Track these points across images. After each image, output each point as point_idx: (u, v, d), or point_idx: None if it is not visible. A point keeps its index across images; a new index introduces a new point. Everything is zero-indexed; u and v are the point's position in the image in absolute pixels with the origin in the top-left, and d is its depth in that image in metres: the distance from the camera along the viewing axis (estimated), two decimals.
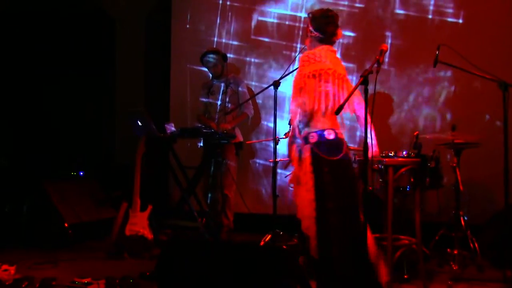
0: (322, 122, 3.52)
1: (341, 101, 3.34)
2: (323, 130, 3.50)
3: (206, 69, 5.94)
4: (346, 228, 3.40)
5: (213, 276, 2.93)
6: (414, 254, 4.13)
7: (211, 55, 5.70)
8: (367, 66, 5.57)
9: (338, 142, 3.51)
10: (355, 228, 3.39)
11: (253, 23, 6.41)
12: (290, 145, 3.71)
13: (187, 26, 6.71)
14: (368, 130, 3.22)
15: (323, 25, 3.71)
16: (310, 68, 3.56)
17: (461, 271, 4.14)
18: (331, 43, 3.74)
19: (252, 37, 6.40)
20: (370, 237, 3.40)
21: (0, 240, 5.05)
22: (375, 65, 3.29)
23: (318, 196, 3.47)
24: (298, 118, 3.57)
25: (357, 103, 3.56)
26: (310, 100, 3.50)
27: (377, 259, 3.42)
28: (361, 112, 3.49)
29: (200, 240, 4.84)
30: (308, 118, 3.54)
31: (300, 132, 3.60)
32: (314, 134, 3.51)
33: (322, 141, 3.49)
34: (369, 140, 3.17)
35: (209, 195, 5.73)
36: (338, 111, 3.12)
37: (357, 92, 3.48)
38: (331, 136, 3.50)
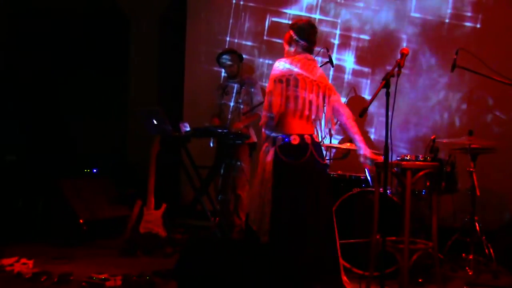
0: (290, 126, 3.66)
1: (316, 107, 3.64)
2: (290, 135, 3.64)
3: (219, 69, 5.96)
4: (302, 230, 3.53)
5: (231, 275, 2.94)
6: (428, 258, 4.13)
7: (227, 56, 5.71)
8: (381, 69, 5.64)
9: (302, 147, 3.62)
10: (314, 230, 3.54)
11: (267, 23, 6.41)
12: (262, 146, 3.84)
13: (202, 25, 6.73)
14: (357, 136, 3.65)
15: (309, 35, 3.87)
16: (280, 73, 3.72)
17: (475, 277, 4.13)
18: (311, 52, 3.89)
19: (266, 38, 6.41)
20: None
21: (15, 235, 5.06)
22: (396, 69, 3.32)
23: (276, 197, 3.61)
24: (265, 121, 3.73)
25: (338, 112, 3.75)
26: (275, 104, 3.65)
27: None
28: (341, 119, 3.75)
29: (219, 239, 4.84)
30: (276, 122, 3.68)
31: (268, 135, 3.75)
32: (280, 138, 3.66)
33: (286, 145, 3.63)
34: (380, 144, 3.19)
35: (221, 195, 5.75)
36: (362, 114, 3.14)
37: (339, 101, 3.75)
38: (296, 141, 3.62)
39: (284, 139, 3.65)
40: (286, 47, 3.94)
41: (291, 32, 3.88)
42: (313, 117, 3.69)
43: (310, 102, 3.67)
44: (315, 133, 3.75)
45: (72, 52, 6.77)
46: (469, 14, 5.49)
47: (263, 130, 3.79)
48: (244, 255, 2.99)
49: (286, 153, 3.62)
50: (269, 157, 3.68)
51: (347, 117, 3.71)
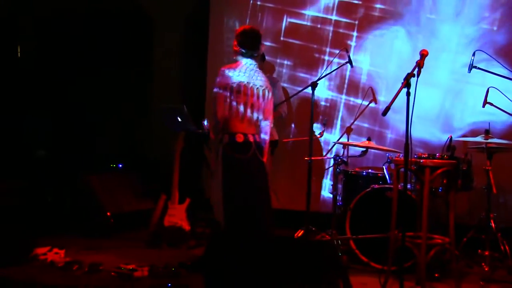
0: (235, 127, 3.96)
1: (258, 110, 3.99)
2: (235, 134, 3.94)
3: None
4: (248, 216, 3.93)
5: (258, 269, 2.97)
6: (444, 253, 4.14)
7: None
8: (397, 71, 5.63)
9: (246, 144, 3.96)
10: (260, 216, 3.97)
11: (284, 24, 6.43)
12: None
13: (224, 26, 6.76)
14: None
15: (250, 43, 4.06)
16: (224, 82, 3.97)
17: (491, 273, 4.13)
18: (253, 58, 4.09)
19: (282, 38, 6.42)
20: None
21: (46, 227, 5.14)
22: (416, 69, 3.34)
23: (226, 189, 3.97)
24: (213, 123, 4.05)
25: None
26: (219, 111, 3.95)
27: None
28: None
29: (246, 234, 4.88)
30: (223, 124, 3.98)
31: (215, 136, 4.08)
32: (226, 136, 3.97)
33: (232, 143, 3.95)
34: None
35: None
36: (384, 113, 3.16)
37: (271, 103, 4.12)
38: (240, 139, 3.94)
39: (230, 137, 3.96)
40: (234, 55, 4.15)
41: (234, 42, 4.09)
42: (255, 119, 4.01)
43: (252, 106, 3.98)
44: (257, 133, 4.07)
45: (99, 51, 6.85)
46: (486, 14, 5.45)
47: (211, 133, 4.18)
48: (270, 249, 3.02)
49: (233, 149, 3.95)
50: (219, 154, 4.02)
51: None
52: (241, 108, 3.95)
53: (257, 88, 4.01)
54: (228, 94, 3.94)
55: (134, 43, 7.05)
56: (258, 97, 4.01)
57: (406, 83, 3.20)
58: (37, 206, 5.55)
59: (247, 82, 3.97)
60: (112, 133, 6.93)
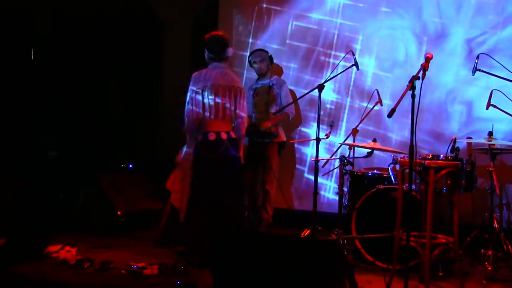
0: (208, 126, 4.26)
1: (229, 109, 4.28)
2: (208, 132, 4.25)
3: (248, 72, 6.00)
4: (212, 212, 4.20)
5: (265, 267, 2.97)
6: (448, 253, 4.13)
7: (258, 53, 5.78)
8: (402, 74, 5.62)
9: (218, 142, 4.25)
10: (225, 211, 4.21)
11: (290, 27, 6.42)
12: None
13: (232, 29, 6.77)
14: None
15: (216, 48, 4.41)
16: (197, 85, 4.29)
17: (494, 272, 4.11)
18: (222, 61, 4.42)
19: (288, 41, 6.42)
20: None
21: (58, 225, 5.17)
22: (421, 72, 3.34)
23: (193, 185, 4.27)
24: (187, 124, 4.30)
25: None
26: (194, 112, 4.24)
27: None
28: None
29: (252, 232, 4.90)
30: (197, 125, 4.26)
31: (190, 136, 4.32)
32: (200, 135, 4.27)
33: (204, 141, 4.26)
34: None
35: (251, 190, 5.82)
36: (390, 115, 3.16)
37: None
38: (212, 137, 4.24)
39: (203, 136, 4.26)
40: (206, 60, 4.47)
41: (205, 48, 4.45)
42: (228, 117, 4.31)
43: (224, 106, 4.27)
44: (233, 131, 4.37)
45: (112, 54, 6.88)
46: (491, 17, 5.43)
47: (186, 133, 4.37)
48: (276, 247, 3.02)
49: (204, 147, 4.26)
50: (191, 151, 4.32)
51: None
52: (213, 108, 4.24)
53: (228, 88, 4.30)
54: (200, 96, 4.25)
55: (146, 45, 7.08)
56: (229, 97, 4.29)
57: (411, 86, 3.19)
58: (50, 205, 5.59)
59: (217, 84, 4.27)
60: (123, 133, 6.95)
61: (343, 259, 2.90)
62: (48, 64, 6.60)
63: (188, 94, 4.34)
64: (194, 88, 4.30)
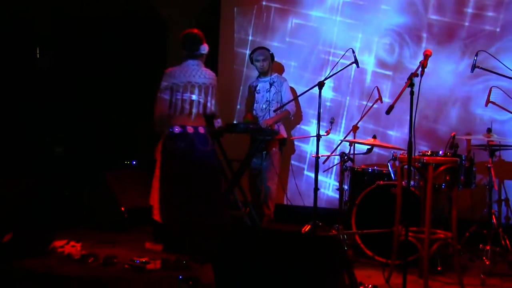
0: (177, 120, 4.36)
1: (198, 104, 4.36)
2: (174, 126, 4.34)
3: (249, 70, 6.00)
4: (178, 203, 4.29)
5: (266, 261, 2.97)
6: (447, 248, 4.13)
7: (260, 51, 5.78)
8: (402, 72, 5.61)
9: (183, 136, 4.35)
10: (195, 201, 4.28)
11: (289, 25, 6.41)
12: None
13: (233, 28, 6.77)
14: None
15: (188, 44, 4.49)
16: (168, 81, 4.40)
17: (492, 266, 4.11)
18: (195, 57, 4.49)
19: (288, 39, 6.41)
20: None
21: (63, 221, 5.19)
22: (420, 69, 3.34)
23: (162, 178, 4.38)
24: (155, 119, 4.41)
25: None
26: (161, 108, 4.37)
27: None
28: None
29: (254, 227, 4.91)
30: (167, 119, 4.37)
31: (160, 130, 4.45)
32: (168, 129, 4.38)
33: (170, 134, 4.37)
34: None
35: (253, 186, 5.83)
36: (388, 112, 3.17)
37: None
38: (177, 130, 4.35)
39: (170, 130, 4.36)
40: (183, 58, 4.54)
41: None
42: (197, 112, 4.39)
43: (192, 101, 4.36)
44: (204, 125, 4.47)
45: (116, 54, 6.88)
46: (490, 14, 5.41)
47: (155, 128, 4.48)
48: (277, 242, 3.02)
49: (170, 140, 4.38)
50: (159, 146, 4.43)
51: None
52: (184, 104, 4.34)
53: (199, 85, 4.37)
54: (169, 92, 4.35)
55: (148, 45, 7.08)
56: (199, 93, 4.37)
57: (410, 83, 3.19)
58: (56, 200, 5.60)
59: (187, 81, 4.35)
60: (126, 131, 6.96)
61: (342, 254, 2.89)
62: (53, 64, 6.61)
63: (159, 90, 4.43)
64: (165, 84, 4.40)
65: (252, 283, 2.97)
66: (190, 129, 4.39)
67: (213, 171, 4.49)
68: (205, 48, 4.54)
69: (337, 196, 4.92)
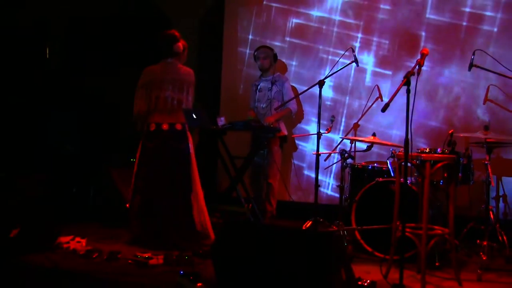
0: (154, 117, 4.42)
1: (172, 100, 4.39)
2: (150, 123, 4.44)
3: (253, 69, 5.99)
4: (155, 198, 4.37)
5: (264, 257, 2.97)
6: (445, 244, 4.11)
7: (264, 49, 5.80)
8: (402, 71, 5.58)
9: (157, 133, 4.41)
10: (166, 198, 4.35)
11: (289, 24, 6.39)
12: None
13: (237, 27, 6.75)
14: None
15: (164, 44, 4.57)
16: (145, 79, 4.48)
17: (489, 262, 4.09)
18: (172, 56, 4.55)
19: (288, 39, 6.39)
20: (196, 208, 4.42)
21: (70, 217, 5.20)
22: (417, 67, 3.32)
23: (137, 173, 4.52)
24: (134, 116, 4.51)
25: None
26: (139, 106, 4.45)
27: (202, 228, 4.40)
28: None
29: (253, 223, 4.90)
30: (144, 117, 4.46)
31: (141, 127, 4.54)
32: (145, 126, 4.48)
33: (146, 132, 4.48)
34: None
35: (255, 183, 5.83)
36: (384, 109, 3.15)
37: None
38: (152, 128, 4.43)
39: (146, 127, 4.46)
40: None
41: None
42: (172, 109, 4.40)
43: (166, 99, 4.40)
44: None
45: (123, 53, 6.88)
46: (488, 13, 5.37)
47: (136, 125, 4.58)
48: (275, 238, 3.02)
49: (145, 137, 4.48)
50: (140, 144, 4.52)
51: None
52: (159, 101, 4.38)
53: (174, 82, 4.41)
54: (146, 90, 4.41)
55: (153, 45, 7.06)
56: (174, 90, 4.40)
57: (406, 81, 3.17)
58: (63, 197, 5.62)
59: (162, 78, 4.41)
60: (131, 129, 6.95)
61: (339, 250, 2.88)
62: (62, 62, 6.62)
63: (137, 88, 4.52)
64: (141, 82, 4.49)
65: (250, 278, 2.97)
66: (165, 126, 4.44)
67: (184, 169, 4.47)
68: (179, 47, 4.59)
69: (337, 195, 4.90)
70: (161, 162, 4.44)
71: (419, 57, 3.47)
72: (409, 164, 4.01)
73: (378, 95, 5.07)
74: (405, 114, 3.25)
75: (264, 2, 6.53)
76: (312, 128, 6.09)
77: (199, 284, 3.20)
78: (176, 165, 4.45)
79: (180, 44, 4.62)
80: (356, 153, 5.11)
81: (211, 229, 4.51)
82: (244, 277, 3.06)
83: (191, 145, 4.53)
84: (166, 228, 4.34)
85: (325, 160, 5.34)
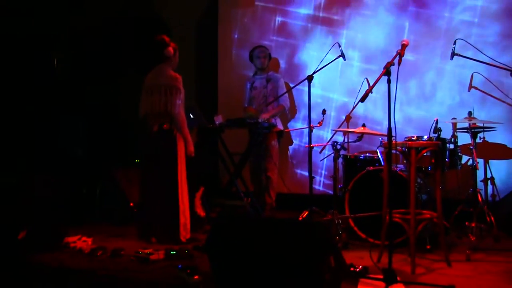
0: (150, 119, 4.52)
1: (159, 102, 4.43)
2: (147, 126, 4.53)
3: (247, 70, 5.97)
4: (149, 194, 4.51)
5: (255, 248, 2.94)
6: (436, 227, 4.06)
7: (262, 48, 5.80)
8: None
9: (149, 133, 4.50)
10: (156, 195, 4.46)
11: (274, 23, 6.35)
12: None
13: (231, 30, 6.72)
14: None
15: (153, 49, 4.59)
16: (144, 84, 4.58)
17: (478, 242, 4.05)
18: (163, 60, 4.58)
19: (274, 37, 6.34)
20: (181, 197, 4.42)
21: (80, 216, 5.21)
22: (397, 58, 3.26)
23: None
24: (141, 120, 4.62)
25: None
26: (141, 109, 4.59)
27: (183, 216, 4.42)
28: None
29: (244, 216, 4.88)
30: (145, 119, 4.56)
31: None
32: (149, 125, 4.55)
33: (143, 133, 4.57)
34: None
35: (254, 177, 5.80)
36: (363, 99, 3.11)
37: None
38: (148, 129, 4.52)
39: (151, 127, 4.51)
40: None
41: None
42: (163, 111, 4.41)
43: (153, 102, 4.45)
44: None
45: (126, 58, 6.87)
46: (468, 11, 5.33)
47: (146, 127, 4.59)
48: (266, 229, 2.98)
49: (141, 140, 4.62)
50: None
51: None
52: (151, 104, 4.45)
53: (162, 86, 4.43)
54: (145, 94, 4.54)
55: (150, 48, 7.04)
56: (161, 94, 4.42)
57: (386, 71, 3.12)
58: (74, 198, 5.60)
59: (150, 83, 4.51)
60: (134, 131, 6.94)
61: (327, 238, 2.84)
62: (69, 70, 6.64)
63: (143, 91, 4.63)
64: (143, 87, 4.61)
65: (244, 269, 2.94)
66: (155, 128, 4.50)
67: (169, 168, 4.45)
68: (169, 51, 4.59)
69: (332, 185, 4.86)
70: (151, 163, 4.51)
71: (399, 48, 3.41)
72: (397, 152, 3.99)
73: (368, 88, 5.01)
74: (395, 105, 3.19)
75: (256, 3, 6.48)
76: (304, 124, 6.06)
77: (195, 277, 3.17)
78: (163, 166, 4.47)
79: (171, 48, 4.60)
80: (350, 144, 5.06)
81: (189, 229, 4.54)
82: (236, 268, 3.02)
83: (179, 147, 4.48)
84: (153, 226, 4.47)
85: (320, 152, 5.30)
